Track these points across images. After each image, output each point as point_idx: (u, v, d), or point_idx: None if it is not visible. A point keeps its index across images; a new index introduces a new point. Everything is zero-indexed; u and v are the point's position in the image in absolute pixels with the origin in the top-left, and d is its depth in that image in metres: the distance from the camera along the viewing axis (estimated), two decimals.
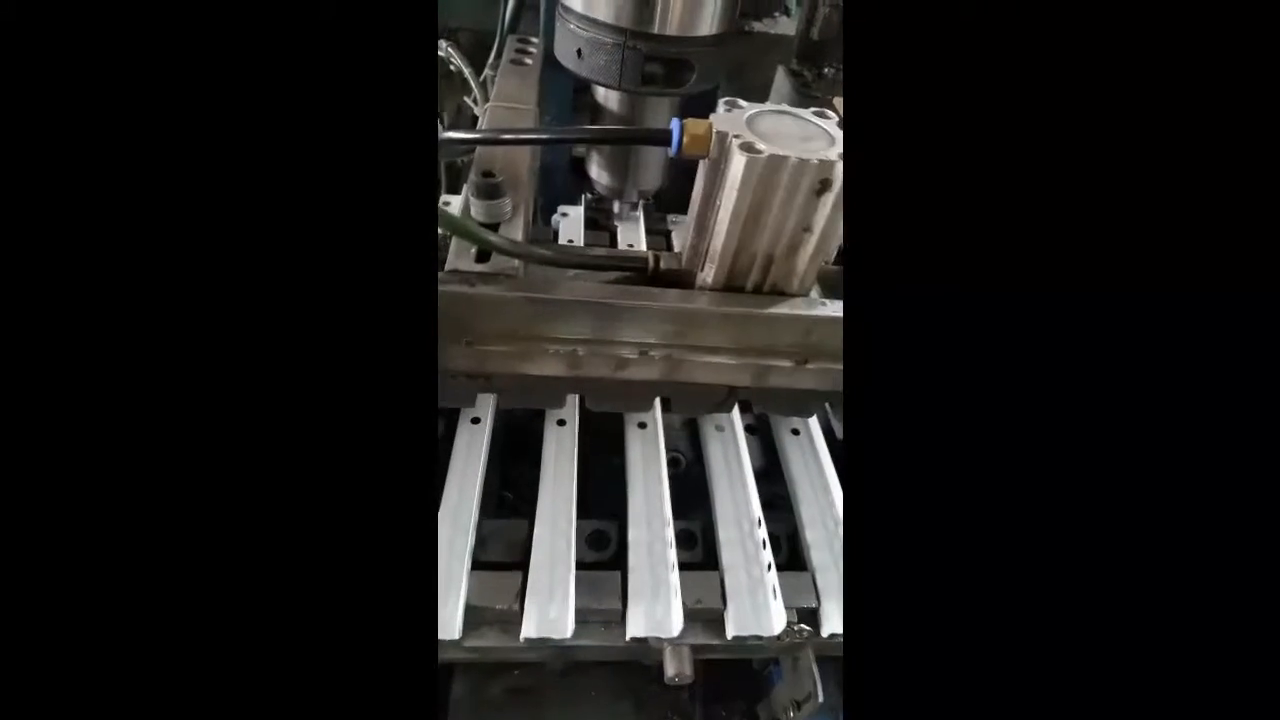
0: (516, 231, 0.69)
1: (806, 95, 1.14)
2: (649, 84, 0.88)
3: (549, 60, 1.05)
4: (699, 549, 0.76)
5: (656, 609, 0.66)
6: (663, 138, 0.60)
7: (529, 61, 1.03)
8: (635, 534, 0.73)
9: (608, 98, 1.00)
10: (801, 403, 0.76)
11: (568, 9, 0.89)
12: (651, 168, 1.06)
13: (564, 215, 1.10)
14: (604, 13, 0.83)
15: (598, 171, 1.07)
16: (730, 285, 0.66)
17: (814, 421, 0.90)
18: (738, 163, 0.56)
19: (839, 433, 0.93)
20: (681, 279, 0.70)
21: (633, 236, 1.06)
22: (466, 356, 0.66)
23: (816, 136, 0.60)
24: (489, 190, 0.67)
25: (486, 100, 0.98)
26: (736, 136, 0.57)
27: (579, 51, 0.88)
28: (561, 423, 0.84)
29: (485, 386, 0.73)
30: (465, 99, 1.12)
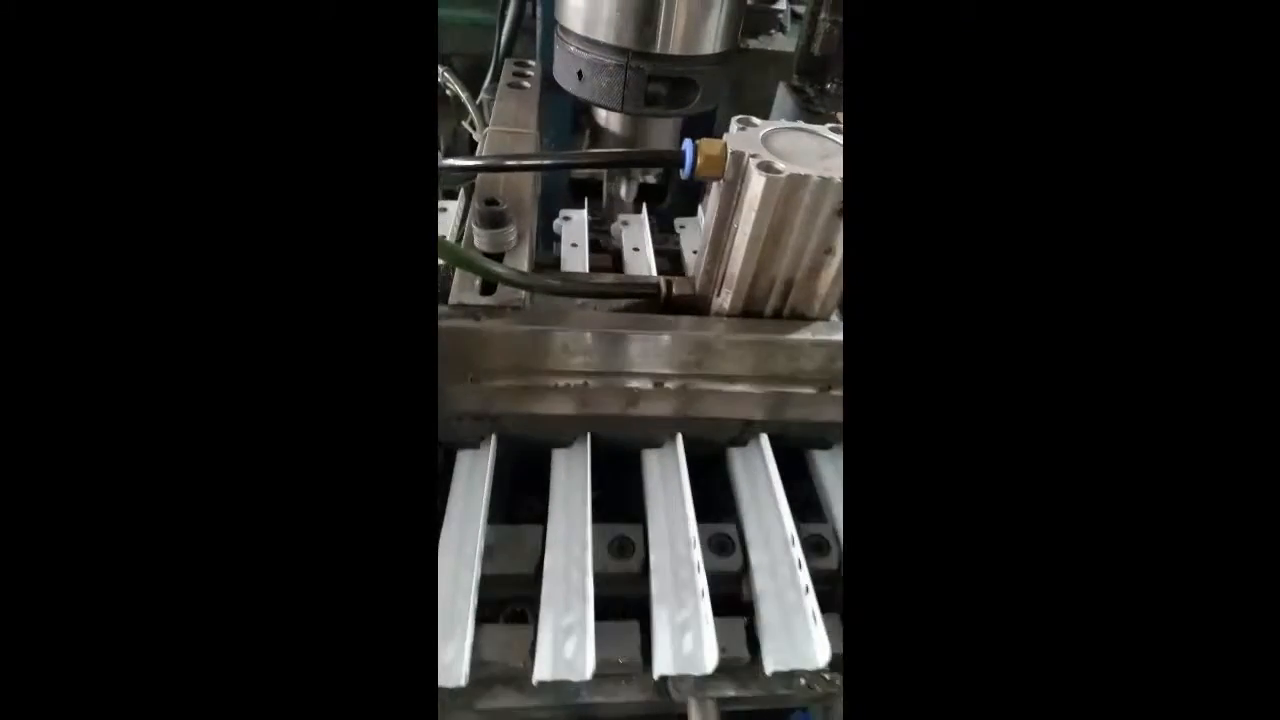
0: (522, 260, 0.66)
1: (809, 111, 1.13)
2: (652, 105, 0.86)
3: (548, 83, 1.03)
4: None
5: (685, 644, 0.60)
6: (675, 159, 0.57)
7: (527, 84, 1.00)
8: (657, 558, 0.67)
9: (609, 119, 0.98)
10: (821, 433, 0.73)
11: (567, 31, 0.87)
12: (666, 135, 1.01)
13: (566, 219, 1.06)
14: (605, 34, 0.81)
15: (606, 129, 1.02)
16: (749, 311, 0.63)
17: None
18: (757, 183, 0.53)
19: None
20: (695, 304, 0.67)
21: (637, 239, 1.03)
22: (472, 396, 0.63)
23: (835, 153, 0.57)
24: (493, 219, 0.64)
25: (484, 124, 0.96)
26: (754, 156, 0.54)
27: (580, 74, 0.86)
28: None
29: (492, 427, 0.69)
30: (462, 123, 1.09)
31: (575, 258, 0.91)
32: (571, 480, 0.69)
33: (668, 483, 0.70)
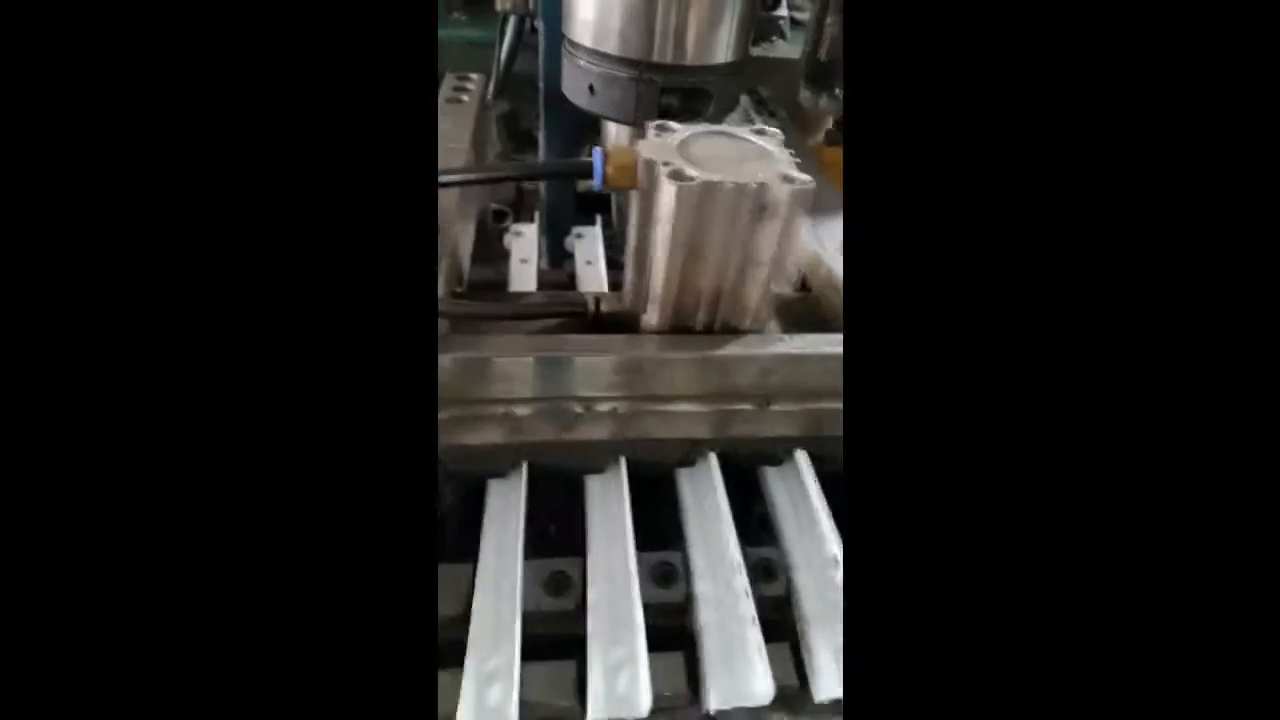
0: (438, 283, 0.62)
1: (764, 114, 1.10)
2: (665, 116, 0.82)
3: (551, 97, 1.02)
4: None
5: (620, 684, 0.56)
6: (585, 170, 0.54)
7: (465, 99, 0.98)
8: (595, 594, 0.63)
9: (619, 133, 0.95)
10: (769, 450, 0.69)
11: (576, 45, 0.84)
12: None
13: (579, 237, 1.03)
14: (617, 46, 0.78)
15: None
16: (677, 326, 0.59)
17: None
18: (668, 192, 0.50)
19: None
20: (625, 321, 0.64)
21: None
22: None
23: (754, 157, 0.54)
24: None
25: None
26: (665, 164, 0.51)
27: (591, 88, 0.83)
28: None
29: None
30: None
31: (589, 277, 0.88)
32: (506, 513, 0.65)
33: (609, 510, 0.66)
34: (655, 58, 0.78)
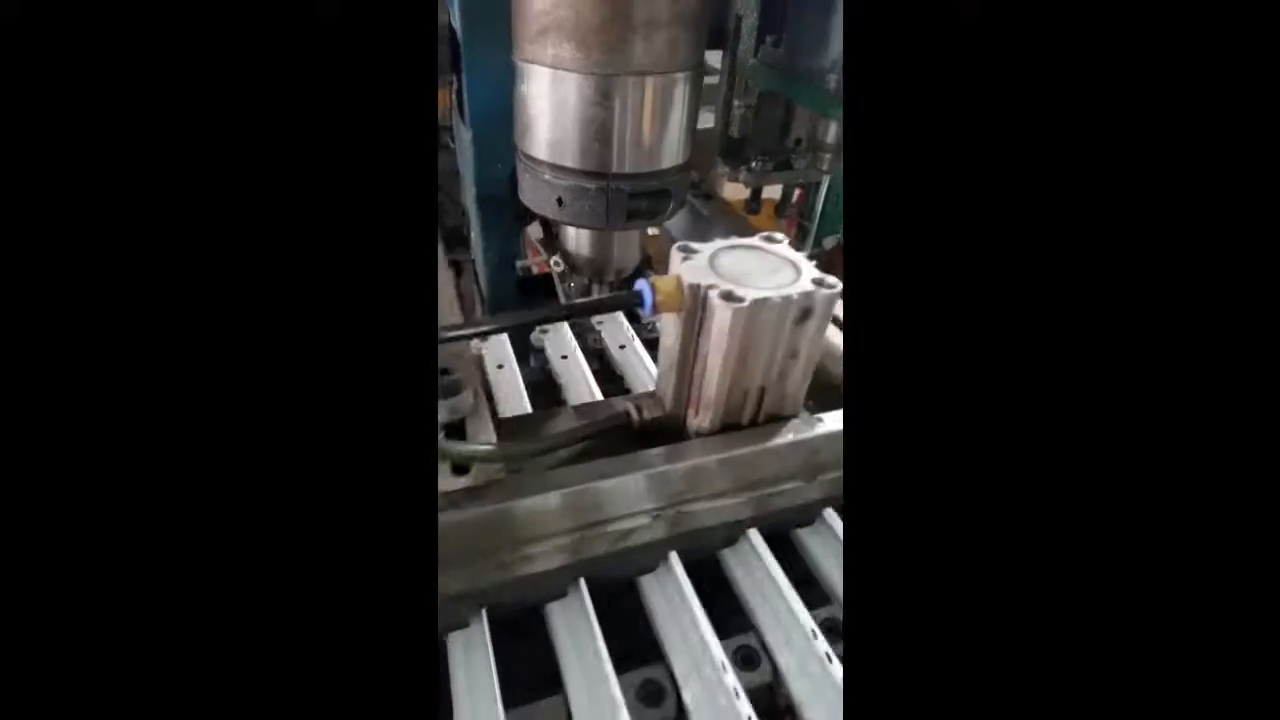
0: (486, 425, 0.62)
1: (695, 194, 1.18)
2: (634, 218, 0.87)
3: (486, 199, 1.08)
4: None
5: None
6: (633, 301, 0.57)
7: None
8: (692, 694, 0.62)
9: (579, 235, 0.97)
10: (806, 513, 0.74)
11: (536, 160, 0.85)
12: (632, 245, 1.02)
13: (544, 332, 1.00)
14: (582, 161, 0.81)
15: (578, 253, 1.01)
16: (727, 425, 0.63)
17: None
18: (723, 313, 0.54)
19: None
20: (666, 426, 0.67)
21: (620, 336, 1.02)
22: (459, 579, 0.58)
23: (780, 266, 0.60)
24: (450, 388, 0.60)
25: None
26: (711, 287, 0.55)
27: (560, 200, 0.85)
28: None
29: (482, 600, 0.64)
30: None
31: (571, 371, 0.89)
32: (577, 634, 0.65)
33: (674, 607, 0.67)
34: (618, 169, 0.83)
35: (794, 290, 0.55)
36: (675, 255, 0.61)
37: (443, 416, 0.61)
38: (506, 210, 1.06)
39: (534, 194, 0.89)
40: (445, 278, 0.94)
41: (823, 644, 0.63)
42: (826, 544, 0.76)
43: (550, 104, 0.81)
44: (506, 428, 0.68)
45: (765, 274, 0.58)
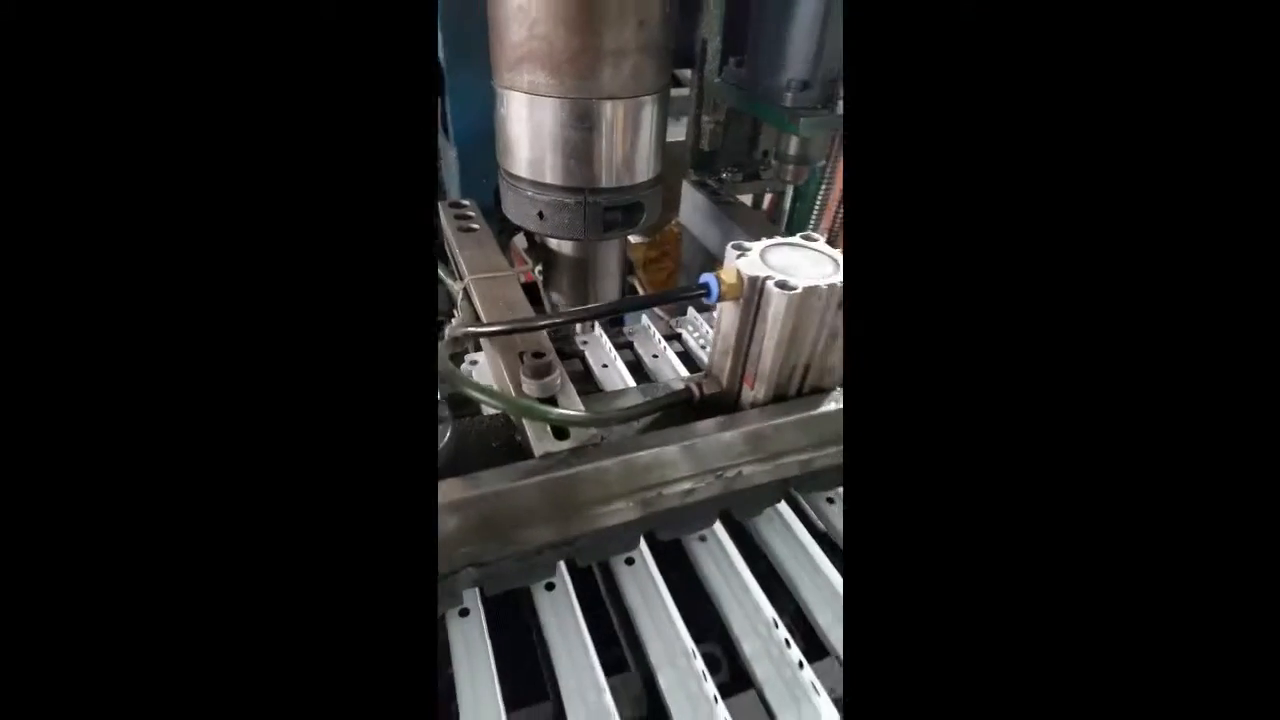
0: (573, 399, 0.73)
1: (717, 201, 1.30)
2: (610, 229, 0.98)
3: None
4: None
5: None
6: (701, 291, 0.68)
7: (476, 226, 1.07)
8: (666, 681, 0.66)
9: (561, 245, 1.08)
10: (839, 475, 0.85)
11: (517, 178, 0.96)
12: (610, 279, 1.13)
13: (584, 344, 1.08)
14: (561, 177, 0.92)
15: (559, 299, 1.12)
16: (778, 396, 0.74)
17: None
18: (779, 301, 0.65)
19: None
20: (722, 400, 0.78)
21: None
22: (552, 529, 0.68)
23: (821, 260, 0.71)
24: (543, 369, 0.71)
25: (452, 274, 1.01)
26: (768, 278, 0.66)
27: (540, 214, 0.96)
28: (550, 586, 0.76)
29: (565, 552, 0.74)
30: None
31: (612, 378, 0.99)
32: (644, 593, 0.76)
33: (723, 570, 0.79)
34: (594, 184, 0.94)
35: (836, 280, 0.66)
36: (730, 252, 0.72)
37: (535, 394, 0.72)
38: (491, 223, 1.16)
39: (516, 208, 1.00)
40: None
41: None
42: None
43: (528, 126, 0.91)
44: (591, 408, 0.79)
45: (809, 266, 0.70)
